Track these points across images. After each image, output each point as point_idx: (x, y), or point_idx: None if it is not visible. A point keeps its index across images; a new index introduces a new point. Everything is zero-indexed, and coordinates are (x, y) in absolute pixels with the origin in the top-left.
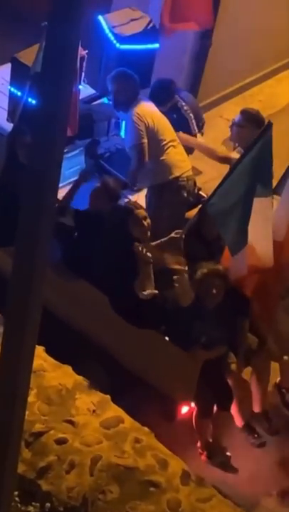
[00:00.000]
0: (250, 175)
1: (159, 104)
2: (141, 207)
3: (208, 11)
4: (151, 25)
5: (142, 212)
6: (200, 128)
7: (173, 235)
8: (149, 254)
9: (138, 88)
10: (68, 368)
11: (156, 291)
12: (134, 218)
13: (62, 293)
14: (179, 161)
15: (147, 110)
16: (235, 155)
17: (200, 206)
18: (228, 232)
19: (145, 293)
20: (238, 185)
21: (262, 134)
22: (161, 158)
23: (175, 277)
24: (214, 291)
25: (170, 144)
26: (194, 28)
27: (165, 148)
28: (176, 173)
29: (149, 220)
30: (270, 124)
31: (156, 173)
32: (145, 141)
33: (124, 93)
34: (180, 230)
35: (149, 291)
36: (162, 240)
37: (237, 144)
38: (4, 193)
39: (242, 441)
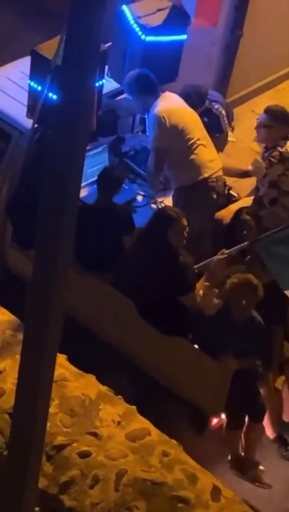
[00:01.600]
0: None
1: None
2: (183, 215)
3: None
4: (178, 15)
5: (185, 222)
6: (229, 123)
7: (219, 256)
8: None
9: (156, 86)
10: (92, 377)
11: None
12: (177, 228)
13: (85, 298)
14: (208, 161)
15: (172, 108)
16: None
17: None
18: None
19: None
20: None
21: None
22: (190, 157)
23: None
24: (244, 302)
25: (199, 142)
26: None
27: (194, 147)
28: (205, 174)
29: (187, 229)
30: None
31: (184, 174)
32: (163, 144)
33: (143, 98)
34: (226, 251)
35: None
36: (208, 261)
37: (265, 145)
38: (26, 194)
39: (275, 454)
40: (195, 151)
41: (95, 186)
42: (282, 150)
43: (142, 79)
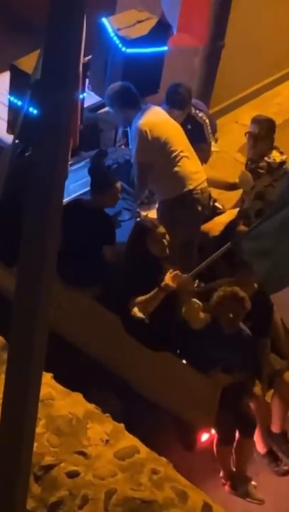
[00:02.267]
0: None
1: (178, 108)
2: (159, 225)
3: (204, 27)
4: (159, 26)
5: (162, 230)
6: (213, 134)
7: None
8: (171, 284)
9: (138, 99)
10: (78, 396)
11: (143, 317)
12: (155, 237)
13: (70, 314)
14: (192, 172)
15: (154, 121)
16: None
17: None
18: (264, 270)
19: (138, 314)
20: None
21: None
22: (174, 170)
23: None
24: (231, 315)
25: (182, 154)
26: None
27: (177, 159)
28: (190, 186)
29: (168, 237)
30: None
31: (168, 186)
32: (146, 158)
33: (125, 111)
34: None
35: (141, 316)
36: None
37: (249, 156)
38: (7, 210)
39: (266, 469)
40: (178, 163)
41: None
42: (270, 160)
43: (123, 92)
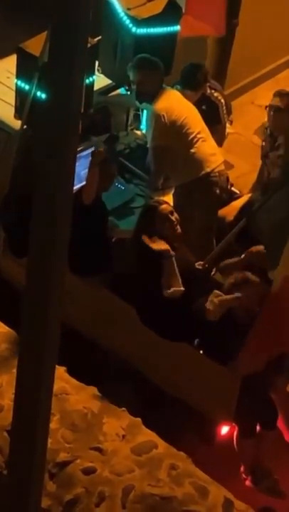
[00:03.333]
0: None
1: (191, 88)
2: (165, 202)
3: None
4: (171, 6)
5: (167, 208)
6: (227, 116)
7: (197, 266)
8: (165, 246)
9: (163, 77)
10: (94, 390)
11: (183, 289)
12: (160, 215)
13: (83, 305)
14: (209, 154)
15: (172, 103)
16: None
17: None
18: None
19: (170, 291)
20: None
21: None
22: (191, 152)
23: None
24: (245, 301)
25: (199, 136)
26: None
27: (194, 141)
28: (207, 169)
29: (176, 215)
30: None
31: (185, 169)
32: (164, 143)
33: (149, 84)
34: (201, 263)
35: (175, 289)
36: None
37: (276, 133)
38: (17, 199)
39: None
40: (196, 146)
41: None
42: None
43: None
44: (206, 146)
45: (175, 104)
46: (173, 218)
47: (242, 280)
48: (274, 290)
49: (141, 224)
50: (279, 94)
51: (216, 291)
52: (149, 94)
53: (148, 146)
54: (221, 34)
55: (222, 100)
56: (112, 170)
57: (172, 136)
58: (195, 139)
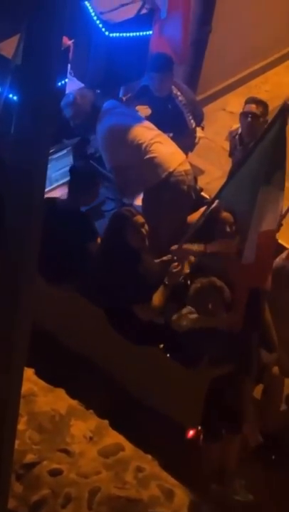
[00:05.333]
0: (265, 163)
1: (158, 70)
2: (138, 213)
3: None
4: (144, 10)
5: (140, 219)
6: (199, 122)
7: (165, 258)
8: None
9: (96, 105)
10: (61, 392)
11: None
12: (131, 226)
13: (53, 308)
14: (168, 154)
15: (116, 121)
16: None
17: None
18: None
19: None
20: (251, 174)
21: (278, 117)
22: (149, 158)
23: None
24: (210, 306)
25: (153, 141)
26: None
27: (149, 148)
28: (170, 168)
29: (147, 227)
30: (286, 106)
31: (148, 175)
32: (121, 161)
33: (83, 114)
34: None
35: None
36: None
37: (247, 140)
38: None
39: (256, 465)
40: (153, 150)
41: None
42: None
43: None
44: (162, 148)
45: (120, 119)
46: (143, 231)
47: (208, 284)
48: None
49: (111, 231)
50: (254, 100)
51: (189, 307)
52: (88, 124)
53: (108, 168)
54: (181, 63)
55: (185, 108)
56: (98, 188)
57: (126, 151)
58: (149, 146)
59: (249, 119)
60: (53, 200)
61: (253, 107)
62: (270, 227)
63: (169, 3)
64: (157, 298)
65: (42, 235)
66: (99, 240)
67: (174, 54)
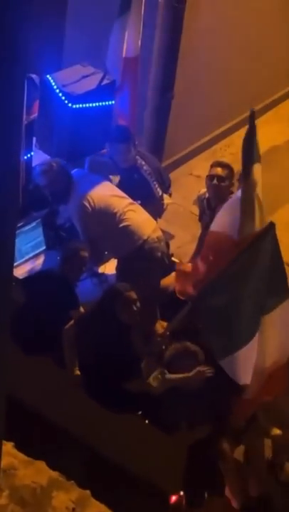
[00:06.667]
0: (254, 276)
1: (121, 141)
2: (130, 289)
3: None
4: (105, 80)
5: (132, 296)
6: (166, 189)
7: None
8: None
9: (70, 173)
10: (42, 464)
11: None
12: (123, 301)
13: (29, 378)
14: (141, 222)
15: (87, 193)
16: None
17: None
18: (215, 334)
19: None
20: (237, 283)
21: (264, 236)
22: (123, 226)
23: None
24: (185, 371)
25: (126, 209)
26: None
27: (123, 216)
28: (144, 236)
29: (138, 304)
30: (272, 225)
31: (122, 244)
32: (94, 234)
33: (59, 181)
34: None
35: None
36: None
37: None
38: None
39: None
40: (126, 218)
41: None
42: None
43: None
44: (135, 215)
45: (89, 192)
46: (134, 308)
47: (182, 350)
48: None
49: (102, 304)
50: (219, 164)
51: (161, 369)
52: (61, 194)
53: (82, 239)
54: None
55: (150, 177)
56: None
57: (100, 221)
58: (124, 214)
59: (215, 181)
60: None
61: (218, 170)
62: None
63: (122, 73)
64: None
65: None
66: (81, 309)
67: (126, 122)
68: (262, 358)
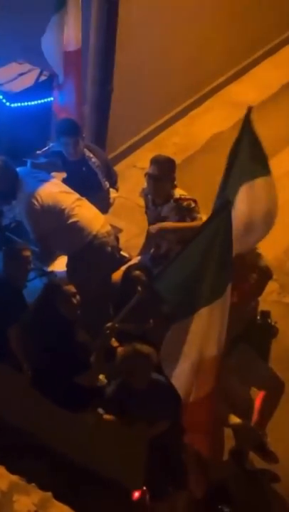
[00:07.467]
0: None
1: (69, 134)
2: (68, 283)
3: None
4: (42, 77)
5: (71, 289)
6: (114, 183)
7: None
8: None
9: (16, 171)
10: (1, 469)
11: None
12: (62, 295)
13: None
14: (90, 217)
15: (35, 190)
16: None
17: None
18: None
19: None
20: (192, 262)
21: (217, 215)
22: (72, 222)
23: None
24: (138, 372)
25: (74, 205)
26: None
27: (71, 212)
28: (93, 231)
29: (78, 297)
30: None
31: (72, 241)
32: (43, 232)
33: (5, 179)
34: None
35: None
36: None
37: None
38: None
39: None
40: (74, 214)
41: None
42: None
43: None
44: (84, 211)
45: (36, 191)
46: (74, 301)
47: (133, 353)
48: None
49: (42, 300)
50: (156, 161)
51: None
52: (7, 194)
53: (31, 238)
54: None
55: (98, 169)
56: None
57: (49, 219)
58: (72, 210)
59: (151, 181)
60: None
61: (154, 169)
62: (211, 353)
63: (64, 67)
64: (96, 364)
65: None
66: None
67: (72, 117)
68: (192, 352)
